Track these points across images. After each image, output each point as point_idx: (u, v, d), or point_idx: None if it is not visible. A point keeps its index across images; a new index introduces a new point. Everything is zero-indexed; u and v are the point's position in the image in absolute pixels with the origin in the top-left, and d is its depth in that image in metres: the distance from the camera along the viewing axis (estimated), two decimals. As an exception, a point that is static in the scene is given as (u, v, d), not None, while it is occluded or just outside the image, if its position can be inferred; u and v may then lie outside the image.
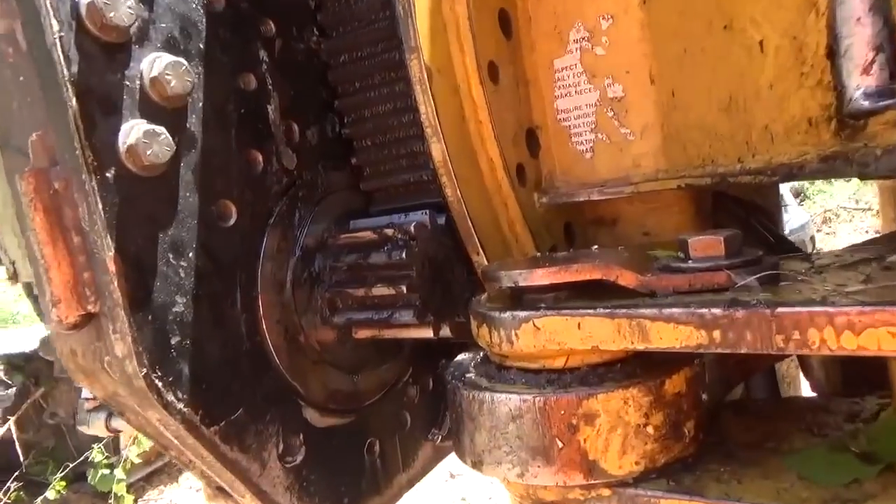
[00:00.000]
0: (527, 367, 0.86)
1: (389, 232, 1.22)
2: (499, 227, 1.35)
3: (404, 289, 1.16)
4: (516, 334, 0.82)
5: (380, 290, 1.19)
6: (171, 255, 1.02)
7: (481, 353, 1.00)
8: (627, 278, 0.80)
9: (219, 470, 1.08)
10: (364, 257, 1.22)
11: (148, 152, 0.96)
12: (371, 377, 1.38)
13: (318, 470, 1.22)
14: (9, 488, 5.67)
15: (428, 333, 1.23)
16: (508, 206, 1.36)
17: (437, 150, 1.22)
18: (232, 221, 1.13)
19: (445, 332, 1.26)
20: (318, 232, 1.29)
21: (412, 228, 1.20)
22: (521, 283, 0.84)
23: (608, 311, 0.78)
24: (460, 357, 1.04)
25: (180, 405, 1.01)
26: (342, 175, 1.39)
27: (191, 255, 1.05)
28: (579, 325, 0.78)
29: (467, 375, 0.93)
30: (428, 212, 1.26)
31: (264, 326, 1.16)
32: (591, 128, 1.44)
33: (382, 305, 1.23)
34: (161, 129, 0.98)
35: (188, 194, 1.05)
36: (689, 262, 0.84)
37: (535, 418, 0.78)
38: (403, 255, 1.17)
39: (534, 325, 0.81)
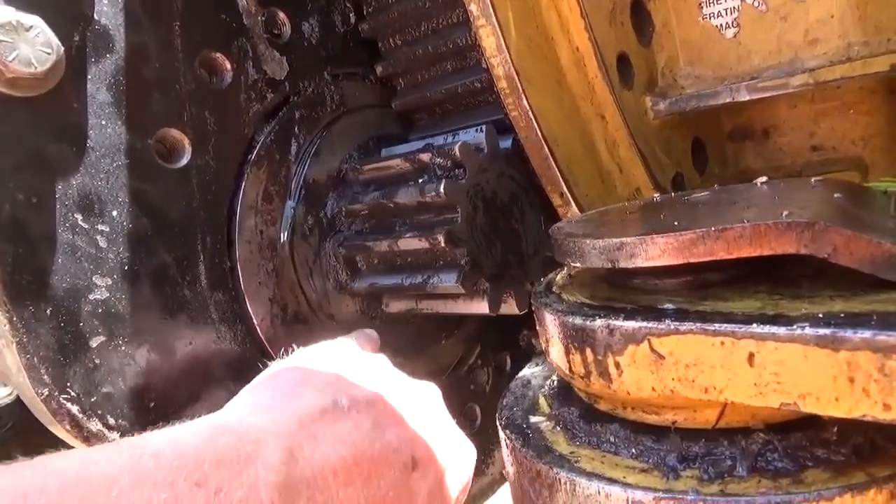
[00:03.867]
0: (641, 420, 0.45)
1: (425, 157, 0.81)
2: (592, 152, 0.91)
3: (441, 240, 0.77)
4: (616, 363, 0.41)
5: (409, 243, 0.81)
6: (79, 217, 0.67)
7: (556, 377, 0.60)
8: (861, 252, 0.36)
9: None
10: (389, 195, 0.83)
11: (10, 57, 0.61)
12: (422, 361, 1.01)
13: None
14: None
15: (481, 308, 0.83)
16: (607, 119, 0.91)
17: (489, 36, 0.79)
18: (184, 160, 0.76)
19: (510, 306, 0.86)
20: (330, 164, 0.91)
21: (457, 151, 0.79)
22: (624, 265, 0.42)
23: (825, 332, 0.34)
24: (527, 372, 0.65)
25: (113, 434, 0.69)
26: (364, 88, 0.99)
27: (115, 213, 0.70)
28: (752, 356, 0.35)
29: (532, 422, 0.52)
30: (484, 128, 0.84)
31: (249, 308, 0.81)
32: (735, -14, 0.95)
33: (415, 266, 0.84)
34: (32, 19, 0.62)
35: (103, 122, 0.70)
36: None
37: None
38: (441, 189, 0.77)
39: (651, 348, 0.39)
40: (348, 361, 0.67)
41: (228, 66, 0.81)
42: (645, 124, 0.96)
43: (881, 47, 0.83)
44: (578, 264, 0.47)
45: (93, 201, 0.69)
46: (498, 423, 0.55)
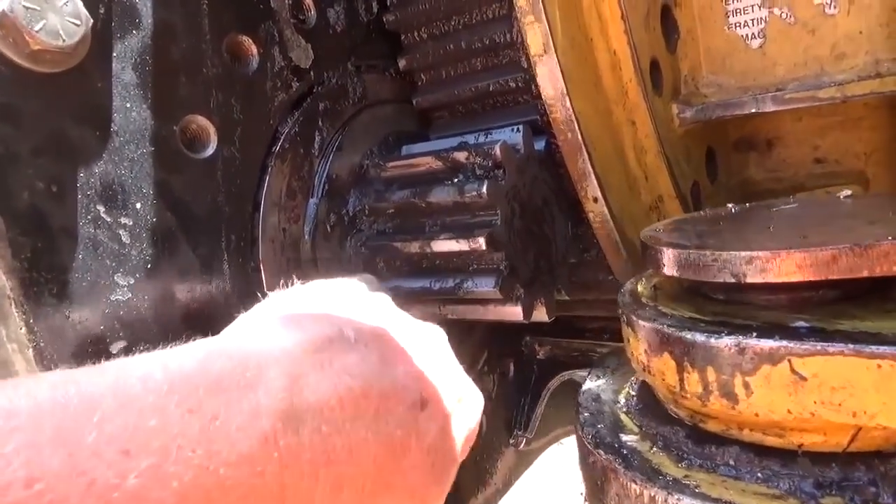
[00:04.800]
0: (761, 442, 0.43)
1: (461, 156, 0.78)
2: (622, 157, 0.90)
3: (482, 242, 0.73)
4: (745, 384, 0.39)
5: (444, 245, 0.77)
6: (101, 208, 0.61)
7: (637, 382, 0.57)
8: None
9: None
10: (421, 194, 0.79)
11: (37, 27, 0.54)
12: (432, 368, 0.98)
13: (359, 508, 0.84)
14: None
15: (515, 315, 0.80)
16: (637, 125, 0.90)
17: (536, 34, 0.76)
18: (209, 150, 0.71)
19: (540, 314, 0.83)
20: (352, 159, 0.87)
21: (497, 150, 0.76)
22: (752, 280, 0.40)
23: None
24: (593, 385, 0.62)
25: (133, 449, 0.62)
26: (385, 82, 0.95)
27: (139, 206, 0.64)
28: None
29: (625, 442, 0.50)
30: (521, 128, 0.81)
31: (271, 311, 0.76)
32: None
33: (447, 269, 0.80)
34: (62, -14, 0.56)
35: (128, 105, 0.63)
36: None
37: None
38: (484, 189, 0.74)
39: (792, 369, 0.37)
40: (353, 296, 0.64)
41: (255, 50, 0.76)
42: (671, 132, 0.95)
43: (910, 65, 0.85)
44: (687, 276, 0.44)
45: (116, 192, 0.62)
46: (584, 442, 0.52)
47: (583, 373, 1.22)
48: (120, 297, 0.62)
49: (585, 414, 0.57)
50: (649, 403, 0.54)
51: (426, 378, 0.55)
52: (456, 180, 0.77)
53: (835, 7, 0.89)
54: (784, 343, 0.38)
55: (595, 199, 0.83)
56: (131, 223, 0.63)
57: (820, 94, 0.90)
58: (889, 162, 1.10)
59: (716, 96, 0.99)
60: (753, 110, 0.94)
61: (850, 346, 0.36)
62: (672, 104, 0.96)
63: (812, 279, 0.39)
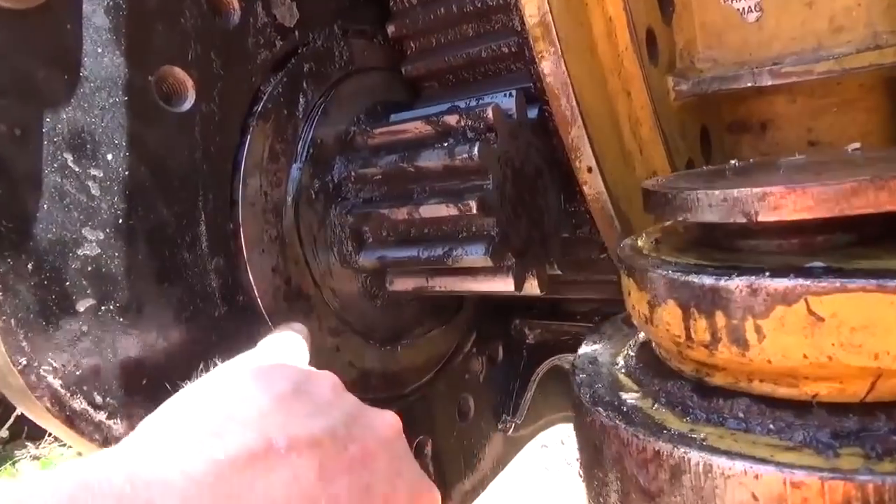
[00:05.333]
0: (772, 394, 0.40)
1: (452, 120, 0.75)
2: (617, 129, 0.87)
3: (473, 206, 0.70)
4: (757, 328, 0.36)
5: (433, 210, 0.74)
6: (69, 157, 0.57)
7: (636, 344, 0.54)
8: None
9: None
10: (410, 158, 0.75)
11: (0, -45, 0.50)
12: (418, 349, 0.95)
13: (341, 489, 0.80)
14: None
15: (506, 286, 0.77)
16: (632, 96, 0.87)
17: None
18: (187, 104, 0.67)
19: (531, 286, 0.80)
20: (338, 126, 0.83)
21: (489, 113, 0.73)
22: (765, 217, 0.37)
23: None
24: (589, 349, 0.59)
25: (100, 415, 0.59)
26: (373, 49, 0.91)
27: (111, 157, 0.60)
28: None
29: (625, 399, 0.46)
30: (514, 93, 0.78)
31: (251, 278, 0.72)
32: (762, -32, 0.93)
33: (434, 237, 0.77)
34: (28, -86, 0.52)
35: (99, 50, 0.60)
36: None
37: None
38: (475, 151, 0.71)
39: (809, 309, 0.34)
40: (288, 381, 0.50)
41: (236, 4, 0.72)
42: (666, 105, 0.93)
43: (912, 37, 0.83)
44: (695, 218, 0.42)
45: (85, 140, 0.59)
46: (582, 401, 0.49)
47: (572, 357, 1.20)
48: (88, 252, 0.58)
49: (581, 375, 0.53)
50: (650, 363, 0.51)
51: (376, 487, 0.47)
52: (446, 143, 0.74)
53: (833, -22, 0.87)
54: (800, 281, 0.36)
55: (589, 169, 0.80)
56: (101, 175, 0.59)
57: (818, 67, 0.88)
58: (884, 144, 1.09)
59: (712, 71, 0.96)
60: (750, 84, 0.92)
61: (873, 281, 0.34)
62: (668, 76, 0.93)
63: (829, 216, 0.36)
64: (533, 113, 0.82)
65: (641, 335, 0.56)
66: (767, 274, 0.37)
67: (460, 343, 1.04)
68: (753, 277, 0.37)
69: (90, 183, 0.59)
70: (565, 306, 1.16)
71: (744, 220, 0.39)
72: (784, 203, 0.37)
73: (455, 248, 0.74)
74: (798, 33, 0.92)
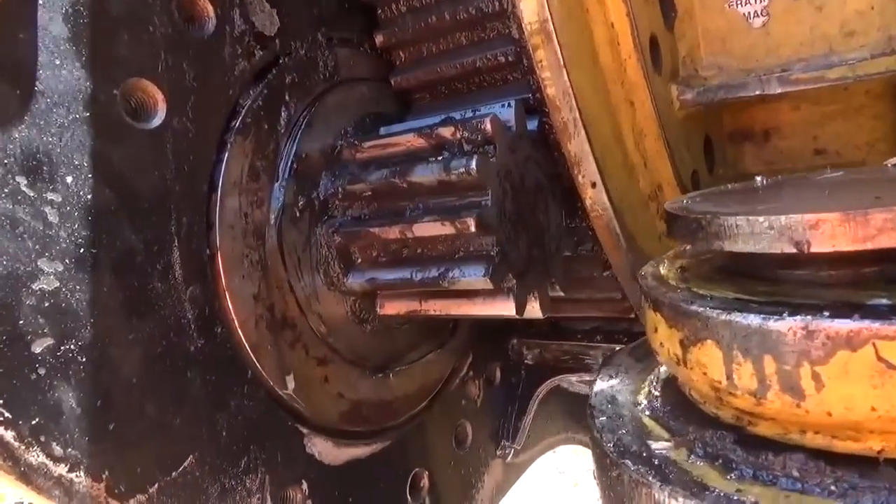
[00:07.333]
0: (829, 448, 0.35)
1: (447, 132, 0.69)
2: (620, 141, 0.82)
3: (471, 224, 0.65)
4: (815, 375, 0.31)
5: (427, 229, 0.68)
6: (22, 181, 0.51)
7: (658, 382, 0.48)
8: None
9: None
10: (402, 173, 0.70)
11: (-63, -44, 0.45)
12: (411, 375, 0.89)
13: (333, 533, 0.74)
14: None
15: (507, 309, 0.72)
16: (636, 106, 0.82)
17: (531, 4, 0.68)
18: (157, 120, 0.61)
19: (533, 309, 0.75)
20: (323, 139, 0.78)
21: (487, 124, 0.68)
22: (819, 248, 0.32)
23: None
24: (605, 386, 0.53)
25: (60, 468, 0.52)
26: (360, 58, 0.86)
27: (70, 180, 0.54)
28: None
29: (656, 450, 0.41)
30: (513, 103, 0.73)
31: (230, 306, 0.66)
32: (767, -26, 0.89)
33: (430, 257, 0.71)
34: None
35: (57, 62, 0.54)
36: None
37: None
38: (473, 165, 0.65)
39: (878, 356, 0.29)
40: None
41: (211, 11, 0.66)
42: (671, 115, 0.88)
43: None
44: (734, 248, 0.36)
45: (41, 162, 0.53)
46: (605, 451, 0.44)
47: (573, 378, 1.14)
48: (45, 286, 0.52)
49: (602, 418, 0.48)
50: (679, 404, 0.46)
51: None
52: (441, 157, 0.69)
53: (843, -19, 0.83)
54: (867, 323, 0.31)
55: (593, 185, 0.75)
56: (60, 199, 0.53)
57: (830, 74, 0.84)
58: (891, 152, 1.05)
59: (717, 79, 0.92)
60: (758, 92, 0.87)
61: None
62: (672, 85, 0.89)
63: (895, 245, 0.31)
64: (533, 125, 0.77)
65: (663, 369, 0.51)
66: (826, 313, 0.32)
67: (456, 367, 0.98)
68: (809, 317, 0.32)
69: (47, 209, 0.53)
70: (565, 325, 1.11)
71: (793, 251, 0.34)
72: (842, 232, 0.32)
73: (451, 269, 0.69)
74: (807, 38, 0.87)
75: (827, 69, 0.83)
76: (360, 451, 0.79)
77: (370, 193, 0.74)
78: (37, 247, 0.52)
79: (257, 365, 0.68)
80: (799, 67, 0.86)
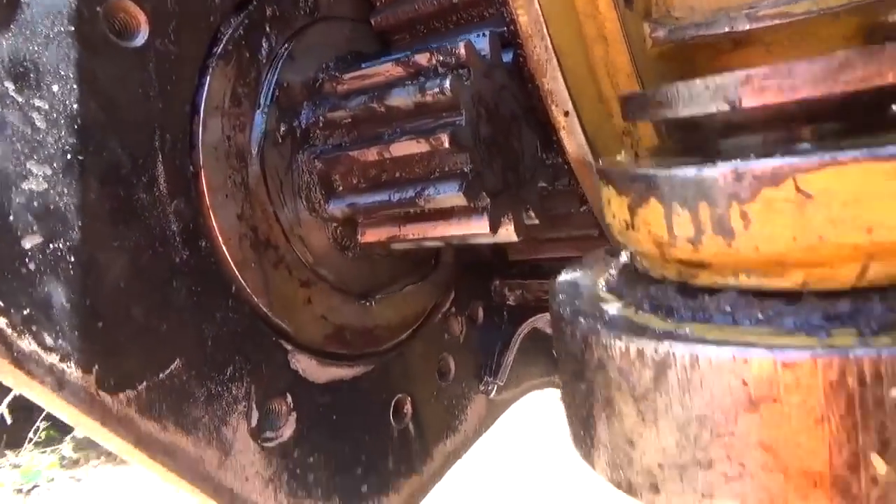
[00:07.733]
0: (760, 287, 0.38)
1: (423, 59, 0.72)
2: (594, 75, 0.84)
3: (445, 139, 0.68)
4: (743, 214, 0.34)
5: (404, 147, 0.71)
6: (10, 85, 0.54)
7: (616, 267, 0.51)
8: None
9: (142, 460, 0.63)
10: (380, 97, 0.73)
11: None
12: (394, 305, 0.92)
13: (317, 448, 0.77)
14: (38, 427, 5.37)
15: (481, 227, 0.74)
16: (609, 41, 0.85)
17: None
18: (140, 40, 0.64)
19: (507, 232, 0.78)
20: (305, 72, 0.80)
21: (461, 48, 0.70)
22: (750, 103, 0.34)
23: None
24: (569, 276, 0.57)
25: (51, 357, 0.55)
26: (340, -4, 0.88)
27: (56, 89, 0.57)
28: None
29: (607, 309, 0.44)
30: (488, 32, 0.76)
31: (214, 224, 0.69)
32: None
33: (407, 179, 0.74)
34: None
35: (42, -27, 0.56)
36: None
37: (819, 402, 0.31)
38: (447, 84, 0.68)
39: (797, 188, 0.32)
40: None
41: (192, -62, 0.68)
42: (644, 53, 0.90)
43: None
44: (676, 113, 0.39)
45: (27, 69, 0.55)
46: (562, 315, 0.46)
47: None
48: (34, 187, 0.55)
49: (561, 296, 0.51)
50: (632, 279, 0.49)
51: None
52: (418, 81, 0.71)
53: (811, -89, 0.85)
54: (788, 160, 0.33)
55: (566, 113, 0.78)
56: (47, 107, 0.56)
57: (795, 8, 0.86)
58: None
59: (686, 17, 0.94)
60: (727, 29, 0.89)
61: (865, 151, 0.31)
62: (644, 23, 0.91)
63: (818, 94, 0.34)
64: (508, 57, 0.79)
65: (623, 258, 0.54)
66: (752, 155, 0.35)
67: (438, 302, 1.01)
68: (739, 162, 0.35)
69: (34, 114, 0.55)
70: (546, 266, 1.14)
71: (727, 108, 0.36)
72: (769, 84, 0.35)
73: (427, 187, 0.72)
74: (775, -28, 0.90)
75: (794, 2, 0.85)
76: (343, 371, 0.82)
77: (350, 120, 0.77)
78: (25, 150, 0.54)
79: (241, 280, 0.70)
80: (767, 3, 0.89)
